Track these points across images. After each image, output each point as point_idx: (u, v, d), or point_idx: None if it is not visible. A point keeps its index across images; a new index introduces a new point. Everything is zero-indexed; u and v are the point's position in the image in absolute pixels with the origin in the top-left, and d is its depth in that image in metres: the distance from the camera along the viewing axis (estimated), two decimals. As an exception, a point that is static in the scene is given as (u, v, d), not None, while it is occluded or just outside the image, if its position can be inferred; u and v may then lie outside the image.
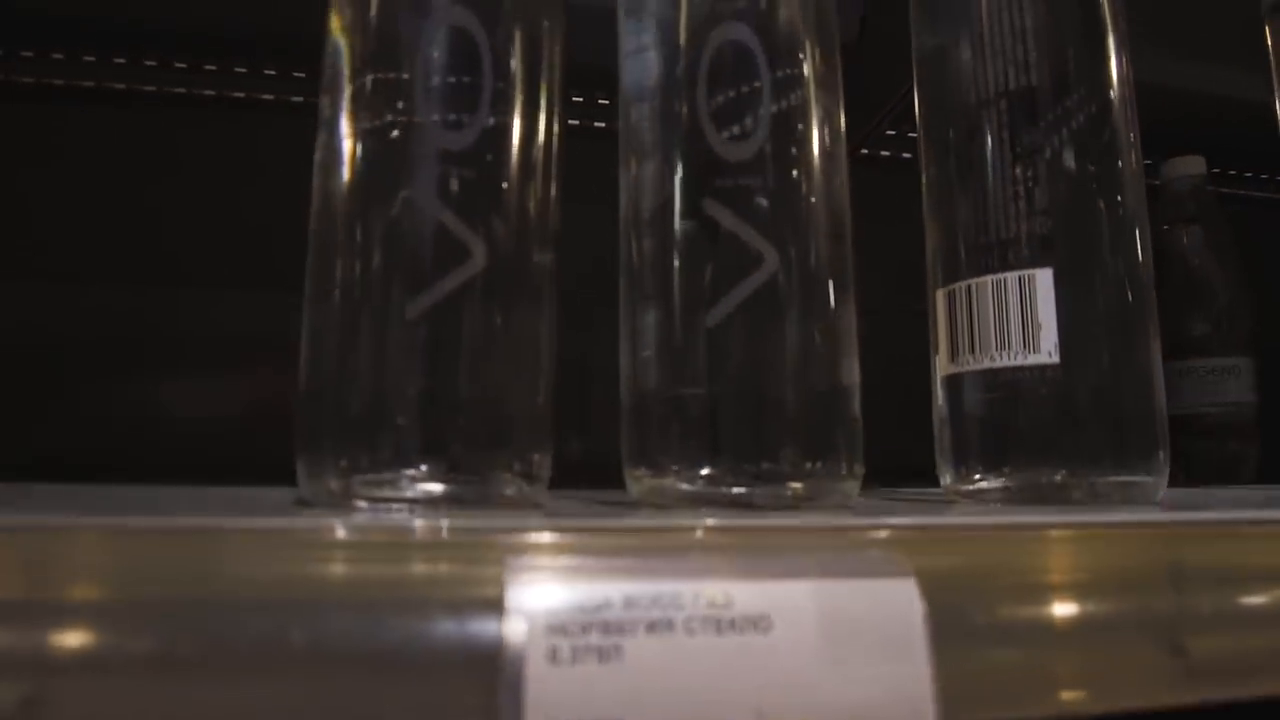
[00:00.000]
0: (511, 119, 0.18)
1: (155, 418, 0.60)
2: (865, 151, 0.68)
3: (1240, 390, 0.57)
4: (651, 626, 0.11)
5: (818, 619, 0.11)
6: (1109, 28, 0.22)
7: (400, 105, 0.17)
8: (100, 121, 0.65)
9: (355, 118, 0.18)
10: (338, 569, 0.11)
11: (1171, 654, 0.14)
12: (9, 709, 0.10)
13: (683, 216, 0.19)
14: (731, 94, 0.19)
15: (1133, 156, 0.22)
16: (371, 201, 0.18)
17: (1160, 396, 0.22)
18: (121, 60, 0.66)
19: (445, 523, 0.12)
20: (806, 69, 0.19)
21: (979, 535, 0.14)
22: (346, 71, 0.18)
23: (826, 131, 0.20)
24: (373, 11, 0.18)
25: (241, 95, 0.70)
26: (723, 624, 0.11)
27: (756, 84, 0.18)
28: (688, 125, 0.19)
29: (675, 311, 0.19)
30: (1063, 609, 0.13)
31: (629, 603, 0.11)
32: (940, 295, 0.23)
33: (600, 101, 0.68)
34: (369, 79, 0.18)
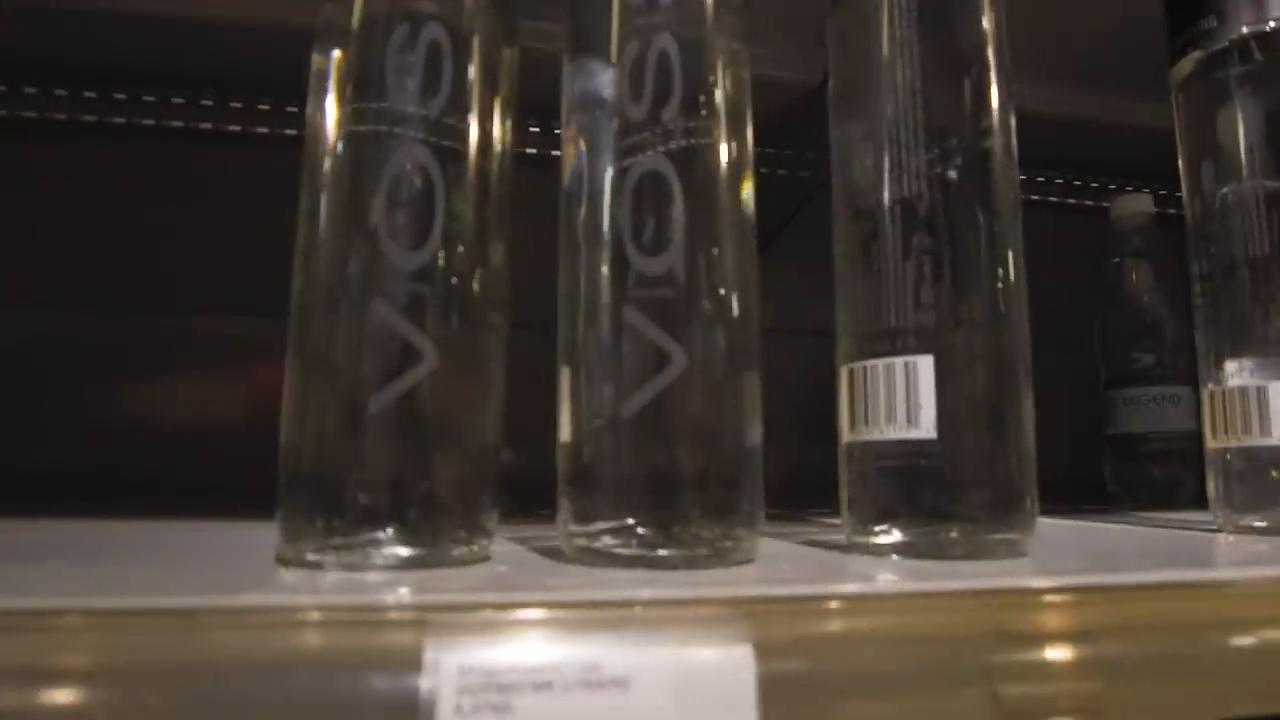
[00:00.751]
0: (461, 245, 0.22)
1: (144, 431, 0.64)
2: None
3: (1180, 419, 0.60)
4: (536, 687, 0.14)
5: (671, 680, 0.14)
6: (1000, 143, 0.26)
7: (363, 226, 0.21)
8: (85, 155, 0.69)
9: (328, 240, 0.22)
10: (303, 640, 0.15)
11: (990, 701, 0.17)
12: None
13: (607, 317, 0.22)
14: (650, 216, 0.22)
15: (1017, 258, 0.25)
16: (340, 307, 0.21)
17: (1029, 464, 0.25)
18: (121, 96, 0.70)
19: (391, 597, 0.16)
20: (723, 190, 0.23)
21: (817, 608, 0.17)
22: (325, 202, 0.22)
23: (736, 242, 0.23)
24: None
25: (238, 129, 0.74)
26: (592, 684, 0.14)
27: (672, 209, 0.22)
28: (612, 237, 0.22)
29: (601, 397, 0.22)
30: (884, 667, 0.17)
31: (518, 668, 0.14)
32: (844, 371, 0.26)
33: (556, 131, 0.71)
34: (338, 207, 0.21)
